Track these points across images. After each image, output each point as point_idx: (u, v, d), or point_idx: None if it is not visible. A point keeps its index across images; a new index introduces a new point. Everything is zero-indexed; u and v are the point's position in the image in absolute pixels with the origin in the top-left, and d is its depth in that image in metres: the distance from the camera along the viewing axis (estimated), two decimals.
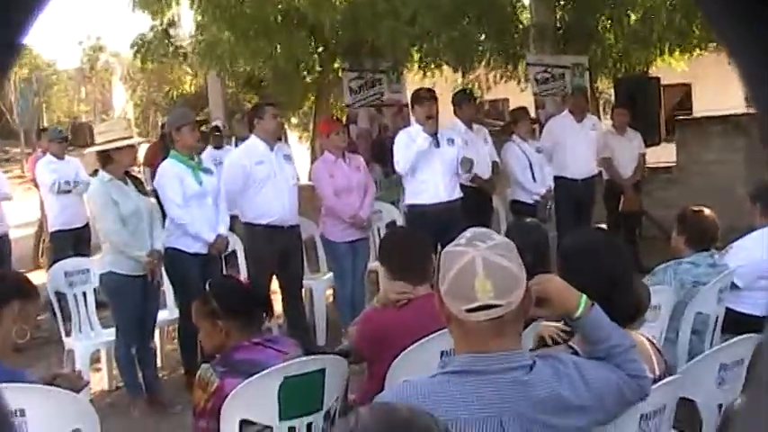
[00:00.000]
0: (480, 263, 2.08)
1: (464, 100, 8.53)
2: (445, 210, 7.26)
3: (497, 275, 2.08)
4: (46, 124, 28.22)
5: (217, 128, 10.94)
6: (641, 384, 2.41)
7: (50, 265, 7.64)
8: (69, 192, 9.12)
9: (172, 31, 13.52)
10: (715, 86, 20.94)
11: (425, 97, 7.41)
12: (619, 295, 2.66)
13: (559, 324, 2.97)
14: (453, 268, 2.12)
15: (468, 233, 2.20)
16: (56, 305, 6.83)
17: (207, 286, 3.71)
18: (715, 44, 13.18)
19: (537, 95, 12.32)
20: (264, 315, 3.76)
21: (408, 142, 7.32)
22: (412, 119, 7.87)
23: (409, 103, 7.77)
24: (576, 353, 2.52)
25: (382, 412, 1.57)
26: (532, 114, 10.48)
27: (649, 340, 2.84)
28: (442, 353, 3.51)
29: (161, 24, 13.05)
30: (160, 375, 6.79)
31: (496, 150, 8.83)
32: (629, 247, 3.04)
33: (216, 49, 11.28)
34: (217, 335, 3.55)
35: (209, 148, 10.14)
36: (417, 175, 7.35)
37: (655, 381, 2.61)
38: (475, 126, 8.57)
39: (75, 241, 9.16)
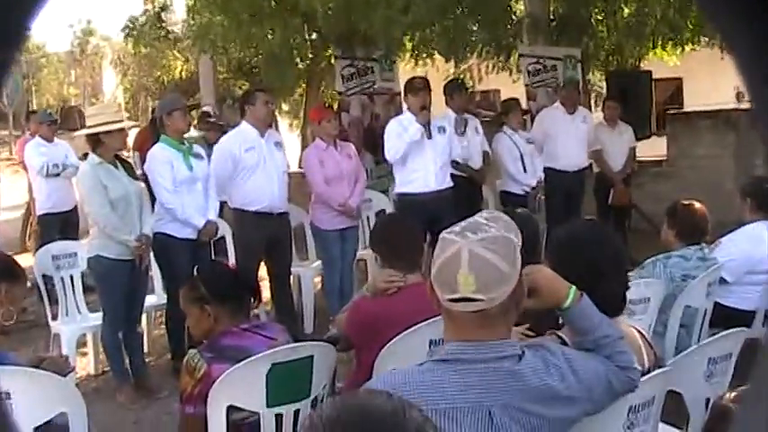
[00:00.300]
0: (466, 255, 2.08)
1: (456, 89, 8.51)
2: (435, 199, 7.25)
3: (481, 270, 2.08)
4: (35, 107, 28.07)
5: (206, 113, 10.90)
6: (630, 376, 2.40)
7: (38, 249, 7.61)
8: (58, 175, 9.09)
9: (164, 15, 13.47)
10: (706, 81, 21.05)
11: (419, 87, 7.38)
12: (606, 286, 2.65)
13: (521, 328, 2.96)
14: (441, 257, 2.13)
15: (465, 221, 2.19)
16: (42, 288, 6.79)
17: (195, 272, 3.69)
18: (707, 39, 13.23)
19: (528, 87, 12.30)
20: (253, 301, 3.75)
21: (400, 131, 7.30)
22: (404, 107, 7.84)
23: (402, 91, 7.75)
24: (564, 343, 2.51)
25: (360, 400, 1.56)
26: (524, 106, 10.47)
27: (639, 332, 2.83)
28: (430, 342, 3.50)
29: (153, 8, 12.99)
30: (147, 361, 6.76)
31: (488, 141, 8.82)
32: (620, 238, 3.04)
33: (209, 31, 11.23)
34: (205, 320, 3.53)
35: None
36: (408, 164, 7.34)
37: (644, 373, 2.60)
38: (466, 116, 8.55)
39: (63, 225, 9.14)
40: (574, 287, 2.39)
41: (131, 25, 13.20)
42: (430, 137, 7.27)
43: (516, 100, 9.83)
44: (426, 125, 7.24)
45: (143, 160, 7.25)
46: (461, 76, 17.37)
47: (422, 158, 7.30)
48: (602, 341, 2.38)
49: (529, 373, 2.16)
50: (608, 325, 2.42)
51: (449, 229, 2.18)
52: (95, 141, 5.91)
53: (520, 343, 2.26)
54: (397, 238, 3.99)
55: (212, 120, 10.58)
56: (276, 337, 3.58)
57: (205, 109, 11.89)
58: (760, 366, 0.92)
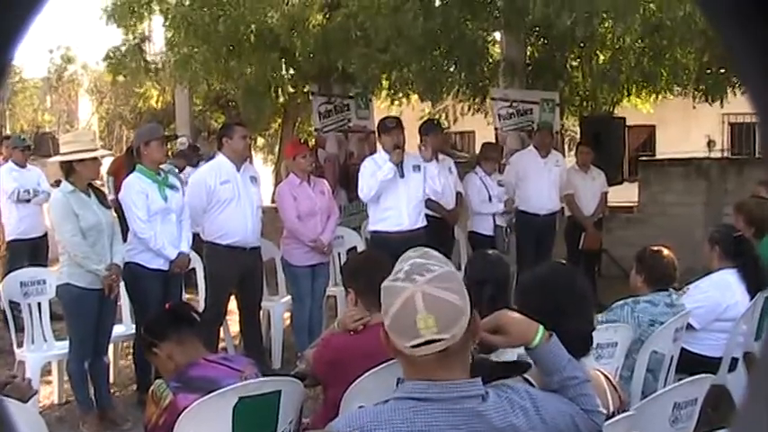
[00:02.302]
0: (420, 299, 2.07)
1: (431, 129, 8.55)
2: (408, 238, 7.24)
3: (439, 310, 2.07)
4: (8, 132, 27.87)
5: (195, 147, 11.01)
6: (594, 419, 2.41)
7: (6, 274, 7.54)
8: (29, 201, 9.04)
9: (144, 47, 13.46)
10: (678, 130, 21.29)
11: (392, 126, 7.43)
12: (571, 327, 2.66)
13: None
14: (394, 305, 2.10)
15: (407, 265, 2.17)
16: (9, 315, 6.73)
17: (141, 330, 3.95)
18: (680, 88, 13.39)
19: (498, 131, 12.34)
20: (192, 325, 3.80)
21: (374, 170, 7.33)
22: (378, 146, 7.88)
23: (376, 131, 7.78)
24: (531, 385, 2.52)
25: None
26: None
27: (605, 375, 2.85)
28: (398, 380, 3.49)
29: (133, 39, 12.98)
30: (112, 391, 6.70)
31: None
32: (588, 280, 3.02)
33: (189, 63, 11.26)
34: (164, 362, 3.63)
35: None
36: (382, 203, 7.36)
37: (609, 417, 2.61)
38: (440, 156, 8.59)
39: (32, 251, 9.08)
40: (542, 327, 2.41)
41: (112, 56, 13.16)
42: (403, 176, 7.30)
43: (497, 146, 9.93)
44: (400, 164, 7.28)
45: (117, 186, 7.22)
46: (437, 117, 17.46)
47: (395, 197, 7.33)
48: (569, 382, 2.38)
49: (493, 413, 2.16)
50: (576, 367, 2.43)
51: (391, 277, 2.17)
52: (68, 169, 5.89)
53: (482, 385, 2.26)
54: (372, 274, 3.97)
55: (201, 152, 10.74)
56: (244, 370, 3.60)
57: (182, 139, 11.93)
58: (760, 366, 0.93)
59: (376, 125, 8.48)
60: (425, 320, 2.05)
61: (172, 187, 6.48)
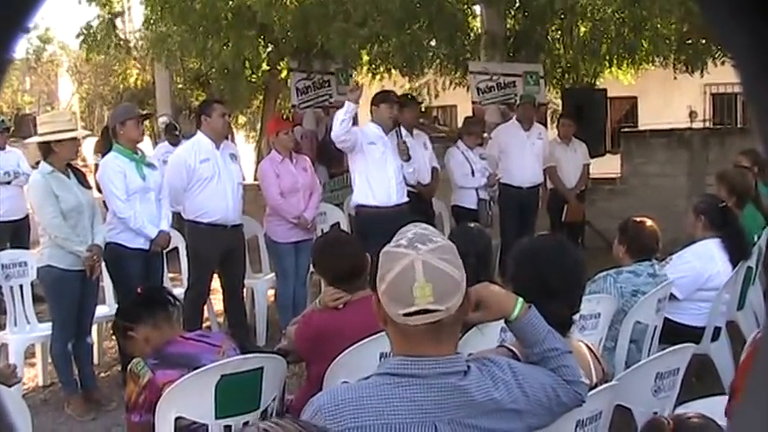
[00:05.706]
0: (420, 267, 2.04)
1: (406, 104, 8.52)
2: (395, 213, 7.22)
3: (438, 280, 2.05)
4: None
5: (174, 126, 10.93)
6: (576, 390, 2.41)
7: None
8: (9, 183, 8.97)
9: (119, 23, 13.35)
10: (660, 101, 21.28)
11: (394, 99, 7.53)
12: (554, 306, 2.64)
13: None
14: (393, 270, 2.08)
15: (410, 233, 2.15)
16: None
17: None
18: (661, 59, 13.39)
19: (476, 104, 12.24)
20: (168, 308, 3.82)
21: (357, 134, 7.28)
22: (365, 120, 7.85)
23: (372, 101, 7.68)
24: (515, 356, 2.52)
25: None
26: None
27: (588, 347, 2.84)
28: (381, 355, 3.49)
29: (107, 14, 12.86)
30: (96, 372, 6.68)
31: (442, 156, 8.88)
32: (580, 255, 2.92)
33: (165, 41, 11.17)
34: (139, 345, 3.64)
35: (166, 144, 10.26)
36: (370, 176, 7.30)
37: (592, 387, 2.61)
38: (415, 131, 8.58)
39: (14, 233, 9.03)
40: (521, 299, 2.40)
41: (86, 32, 13.03)
42: (408, 158, 7.31)
43: (480, 122, 9.92)
44: (396, 135, 7.30)
45: None
46: (417, 92, 17.43)
47: (384, 171, 7.30)
48: (549, 354, 2.38)
49: (474, 388, 2.16)
50: (556, 338, 2.43)
51: (393, 243, 2.15)
52: (47, 150, 5.83)
53: (466, 358, 2.26)
54: (338, 264, 3.92)
55: (177, 132, 10.63)
56: (221, 344, 3.60)
57: (163, 119, 11.86)
58: (760, 366, 0.92)
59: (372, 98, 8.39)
60: (422, 289, 2.03)
61: (149, 166, 6.44)
